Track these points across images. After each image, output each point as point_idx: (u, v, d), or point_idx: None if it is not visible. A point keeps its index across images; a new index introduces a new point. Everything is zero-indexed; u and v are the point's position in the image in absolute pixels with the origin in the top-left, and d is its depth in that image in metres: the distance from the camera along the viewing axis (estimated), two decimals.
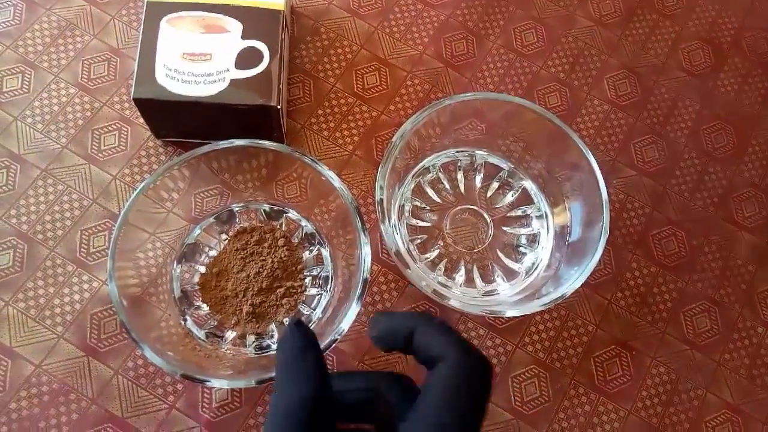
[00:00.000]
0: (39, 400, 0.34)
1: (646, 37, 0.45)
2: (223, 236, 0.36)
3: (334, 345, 0.29)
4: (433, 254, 0.37)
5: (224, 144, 0.32)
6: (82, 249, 0.37)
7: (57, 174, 0.38)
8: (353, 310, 0.29)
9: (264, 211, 0.37)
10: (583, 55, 0.44)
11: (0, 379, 0.34)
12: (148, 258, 0.34)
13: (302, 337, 0.23)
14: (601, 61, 0.44)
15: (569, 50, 0.44)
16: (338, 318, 0.30)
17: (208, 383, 0.28)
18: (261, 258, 0.35)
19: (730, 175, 0.42)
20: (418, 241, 0.37)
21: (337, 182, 0.32)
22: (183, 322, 0.34)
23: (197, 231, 0.36)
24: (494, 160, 0.39)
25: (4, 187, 0.38)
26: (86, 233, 0.37)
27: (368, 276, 0.30)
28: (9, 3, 0.42)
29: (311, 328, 0.33)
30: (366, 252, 0.31)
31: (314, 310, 0.35)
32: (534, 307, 0.32)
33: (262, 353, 0.34)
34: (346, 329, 0.29)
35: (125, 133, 0.39)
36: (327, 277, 0.36)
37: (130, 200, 0.31)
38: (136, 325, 0.30)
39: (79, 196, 0.38)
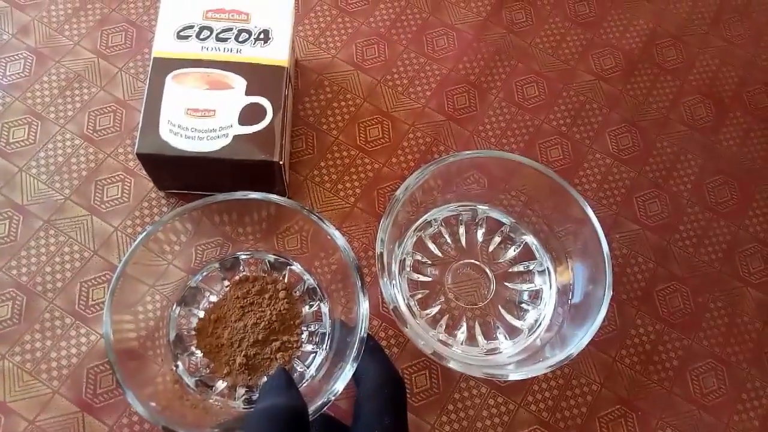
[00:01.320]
0: None
1: (647, 91, 0.46)
2: (226, 282, 0.36)
3: (327, 406, 0.29)
4: (435, 310, 0.37)
5: (237, 195, 0.32)
6: (81, 301, 0.36)
7: (59, 225, 0.38)
8: (348, 371, 0.29)
9: (268, 261, 0.37)
10: (585, 108, 0.45)
11: None
12: (147, 311, 0.34)
13: (287, 377, 0.27)
14: (602, 115, 0.44)
15: (571, 104, 0.45)
16: (333, 377, 0.30)
17: None
18: (260, 309, 0.35)
19: (735, 230, 0.42)
20: (419, 296, 0.37)
21: (340, 240, 0.32)
22: (174, 368, 0.33)
23: (200, 276, 0.36)
24: (496, 214, 0.39)
25: (6, 238, 0.38)
26: (86, 285, 0.37)
27: (365, 335, 0.30)
28: (20, 55, 0.42)
29: (304, 385, 0.33)
30: (364, 310, 0.30)
31: (308, 367, 0.34)
32: (539, 369, 0.32)
33: (251, 407, 0.33)
34: (341, 390, 0.29)
35: (128, 184, 0.40)
36: (324, 334, 0.35)
37: (129, 251, 0.31)
38: (125, 370, 0.29)
39: (80, 247, 0.38)
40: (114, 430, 0.34)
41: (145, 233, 0.31)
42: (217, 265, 0.36)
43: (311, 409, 0.28)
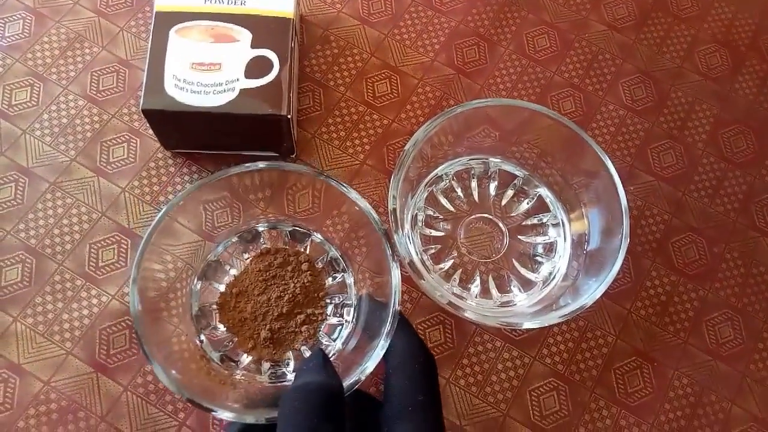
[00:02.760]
0: (47, 418, 0.33)
1: (661, 41, 0.44)
2: (246, 255, 0.36)
3: (356, 386, 0.28)
4: (448, 264, 0.36)
5: (252, 167, 0.31)
6: (90, 263, 0.36)
7: (65, 187, 0.38)
8: (383, 346, 0.28)
9: (288, 232, 0.36)
10: (597, 59, 0.43)
11: (8, 396, 0.33)
12: (157, 272, 0.33)
13: (324, 357, 0.26)
14: (615, 66, 0.43)
15: (583, 55, 0.43)
16: (365, 355, 0.29)
17: (214, 413, 0.27)
18: (283, 282, 0.34)
19: (751, 180, 0.41)
20: (432, 251, 0.37)
21: (372, 213, 0.31)
22: (199, 343, 0.33)
23: (220, 248, 0.35)
24: (508, 167, 0.38)
25: (12, 201, 0.37)
26: (95, 247, 0.37)
27: (399, 308, 0.28)
28: (18, 16, 0.41)
29: (331, 359, 0.32)
30: (396, 281, 0.29)
31: (334, 341, 0.34)
32: (552, 318, 0.31)
33: (277, 381, 0.33)
34: (371, 369, 0.28)
35: (134, 145, 0.39)
36: (349, 306, 0.35)
37: (151, 228, 0.30)
38: (149, 340, 0.29)
39: (88, 209, 0.37)
40: (129, 389, 0.34)
41: (162, 212, 0.30)
42: (236, 238, 0.36)
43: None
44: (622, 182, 0.33)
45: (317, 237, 0.36)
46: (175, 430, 0.33)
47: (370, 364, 0.28)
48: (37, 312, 0.35)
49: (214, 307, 0.34)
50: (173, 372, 0.28)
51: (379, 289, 0.32)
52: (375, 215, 0.31)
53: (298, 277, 0.34)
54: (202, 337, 0.33)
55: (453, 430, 0.34)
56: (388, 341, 0.28)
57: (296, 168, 0.32)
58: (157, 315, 0.32)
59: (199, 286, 0.34)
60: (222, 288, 0.35)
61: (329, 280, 0.35)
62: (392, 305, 0.28)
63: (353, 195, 0.31)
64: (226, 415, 0.27)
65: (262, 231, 0.36)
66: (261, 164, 0.31)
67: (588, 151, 0.34)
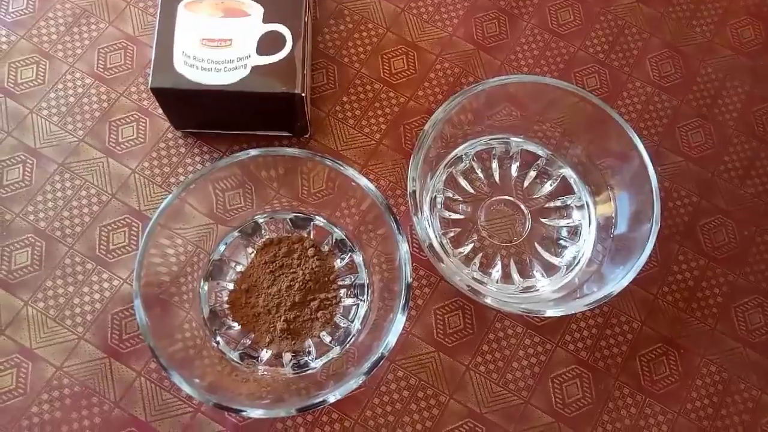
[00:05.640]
0: (61, 404, 0.33)
1: (690, 14, 0.42)
2: (250, 250, 0.35)
3: (381, 362, 0.27)
4: (468, 248, 0.35)
5: (253, 153, 0.31)
6: (101, 246, 0.35)
7: (74, 168, 0.37)
8: (399, 321, 0.27)
9: (290, 220, 0.35)
10: (624, 33, 0.41)
11: (21, 381, 0.33)
12: (168, 256, 0.33)
13: None
14: (642, 40, 0.41)
15: (608, 29, 0.42)
16: (384, 331, 0.28)
17: (243, 413, 0.27)
18: (291, 270, 0.33)
19: None
20: (451, 234, 0.35)
21: (363, 181, 0.30)
22: (216, 344, 0.32)
23: (222, 246, 0.35)
24: (531, 147, 0.37)
25: (20, 183, 0.36)
26: (105, 229, 0.36)
27: (411, 280, 0.28)
28: None
29: (351, 341, 0.31)
30: (405, 252, 0.28)
31: (352, 322, 0.33)
32: (577, 306, 0.30)
33: (301, 372, 0.32)
34: (393, 343, 0.27)
35: (143, 124, 0.38)
36: (362, 285, 0.34)
37: (155, 216, 0.29)
38: (157, 333, 0.28)
39: (98, 191, 0.36)
40: (142, 375, 0.33)
41: (167, 200, 0.30)
42: (237, 233, 0.35)
43: (366, 367, 0.27)
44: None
45: (320, 220, 0.35)
46: (190, 416, 0.33)
47: (391, 338, 0.27)
48: (48, 296, 0.34)
49: (226, 306, 0.33)
50: (196, 380, 0.28)
51: (386, 258, 0.31)
52: (376, 191, 0.30)
53: (306, 263, 0.33)
54: (218, 339, 0.33)
55: (473, 418, 0.34)
56: (405, 313, 0.27)
57: (289, 152, 0.31)
58: (167, 307, 0.31)
59: (206, 288, 0.34)
60: (230, 286, 0.34)
61: (338, 262, 0.34)
62: (404, 278, 0.28)
63: (350, 172, 0.30)
64: (256, 413, 0.26)
65: (262, 222, 0.35)
66: (253, 152, 0.31)
67: (617, 131, 0.32)
